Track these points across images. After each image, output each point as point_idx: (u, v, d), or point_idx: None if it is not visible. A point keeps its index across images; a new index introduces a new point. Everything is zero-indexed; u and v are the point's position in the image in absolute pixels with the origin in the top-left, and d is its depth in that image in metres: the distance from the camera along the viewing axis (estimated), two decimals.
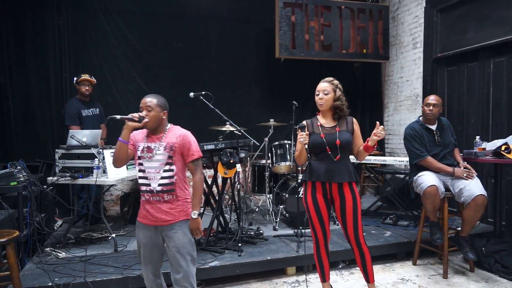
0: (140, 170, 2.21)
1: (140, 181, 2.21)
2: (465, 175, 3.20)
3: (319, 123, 2.59)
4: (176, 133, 2.24)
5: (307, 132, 2.46)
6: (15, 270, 2.43)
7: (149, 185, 2.17)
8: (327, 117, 2.62)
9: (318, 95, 2.57)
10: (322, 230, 2.58)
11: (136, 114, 2.13)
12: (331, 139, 2.50)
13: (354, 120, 2.65)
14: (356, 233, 2.52)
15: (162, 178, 2.17)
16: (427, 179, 3.19)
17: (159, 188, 2.17)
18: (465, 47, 4.52)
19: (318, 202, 2.54)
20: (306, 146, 2.43)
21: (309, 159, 2.50)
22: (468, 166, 3.31)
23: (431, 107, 3.33)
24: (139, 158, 2.21)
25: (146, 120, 2.14)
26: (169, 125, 2.28)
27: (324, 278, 2.70)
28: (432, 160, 3.29)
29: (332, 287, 2.84)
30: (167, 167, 2.18)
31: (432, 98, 3.37)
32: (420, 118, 3.48)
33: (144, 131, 2.26)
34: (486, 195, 3.08)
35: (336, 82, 2.60)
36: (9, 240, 2.39)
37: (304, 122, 2.59)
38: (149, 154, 2.18)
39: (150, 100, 2.21)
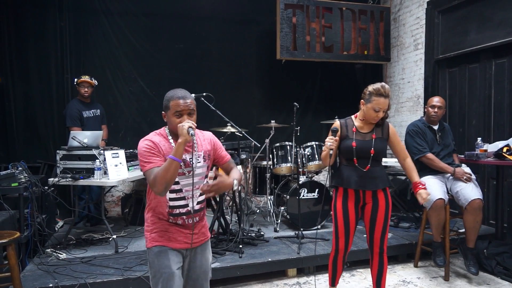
0: (173, 191, 1.76)
1: (173, 203, 1.77)
2: (464, 178, 3.19)
3: (354, 128, 2.45)
4: (204, 137, 1.89)
5: (336, 138, 2.31)
6: (15, 271, 2.42)
7: (186, 206, 1.79)
8: (365, 121, 2.47)
9: (378, 111, 2.34)
10: (345, 240, 2.48)
11: (191, 124, 1.64)
12: (366, 147, 2.38)
13: (390, 125, 2.52)
14: (382, 241, 2.45)
15: (201, 194, 1.82)
16: (432, 192, 3.10)
17: (197, 207, 1.83)
18: (466, 48, 4.50)
19: (348, 212, 2.44)
20: (331, 152, 2.29)
21: (337, 164, 2.42)
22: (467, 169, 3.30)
23: (436, 109, 3.33)
24: None
25: (195, 131, 1.69)
26: None
27: (334, 283, 2.67)
28: (433, 157, 3.28)
29: None
30: (206, 181, 1.87)
31: (436, 100, 3.35)
32: (423, 118, 3.49)
33: (164, 136, 1.79)
34: (482, 199, 3.09)
35: (390, 93, 2.40)
36: (9, 241, 2.38)
37: (338, 122, 2.44)
38: (188, 169, 1.77)
39: (191, 101, 1.75)
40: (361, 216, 2.53)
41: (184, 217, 1.79)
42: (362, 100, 2.44)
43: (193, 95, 3.42)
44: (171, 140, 1.78)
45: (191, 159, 1.77)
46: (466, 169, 3.35)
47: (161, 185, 1.61)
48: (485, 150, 3.47)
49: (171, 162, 1.59)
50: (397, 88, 5.77)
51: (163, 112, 1.81)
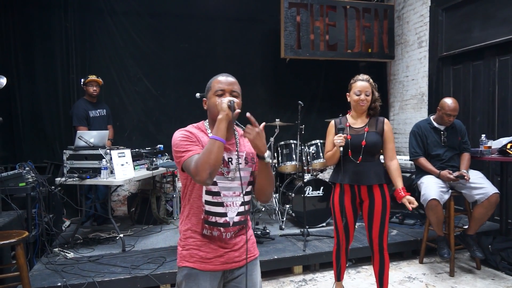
0: (210, 192, 1.50)
1: (209, 208, 1.50)
2: (451, 181, 3.16)
3: (348, 123, 2.52)
4: (245, 139, 1.63)
5: (345, 135, 2.37)
6: (24, 270, 2.44)
7: (224, 214, 1.51)
8: (357, 117, 2.53)
9: (359, 95, 2.43)
10: (346, 234, 2.55)
11: (230, 98, 1.45)
12: (357, 140, 2.43)
13: (386, 120, 2.53)
14: (381, 238, 2.47)
15: (243, 204, 1.54)
16: (428, 191, 3.12)
17: (237, 219, 1.53)
18: (470, 45, 4.50)
19: (345, 207, 2.49)
20: (341, 149, 2.34)
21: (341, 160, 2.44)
22: (464, 173, 3.14)
23: (451, 118, 3.25)
24: None
25: (238, 110, 1.46)
26: None
27: (339, 277, 2.72)
28: (423, 161, 3.31)
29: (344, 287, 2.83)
30: (248, 188, 1.58)
31: (453, 108, 3.21)
32: (431, 117, 3.44)
33: (202, 130, 1.58)
34: (499, 192, 3.09)
35: (372, 81, 2.49)
36: (18, 241, 2.39)
37: (333, 122, 2.55)
38: (226, 169, 1.51)
39: (235, 81, 1.55)
40: (361, 213, 2.57)
41: (222, 229, 1.51)
42: (347, 93, 2.54)
43: (198, 94, 3.49)
44: (211, 135, 1.50)
45: (230, 159, 1.52)
46: (472, 173, 3.25)
47: (204, 170, 1.34)
48: (489, 147, 3.47)
49: (213, 142, 1.36)
50: (401, 85, 5.76)
51: (204, 99, 1.60)
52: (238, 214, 1.54)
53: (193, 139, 1.49)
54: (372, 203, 2.45)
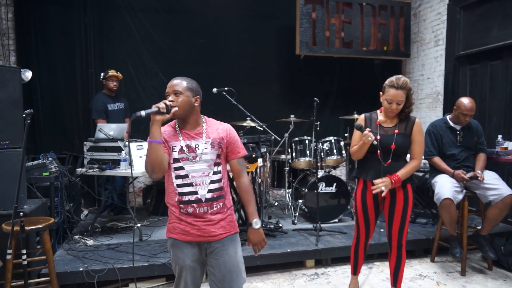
0: (179, 176, 1.76)
1: (181, 189, 1.76)
2: (465, 181, 3.17)
3: (378, 121, 2.48)
4: (218, 127, 1.87)
5: (369, 129, 2.32)
6: (50, 255, 2.56)
7: (195, 193, 1.76)
8: (387, 115, 2.48)
9: (390, 103, 2.35)
10: (366, 228, 2.59)
11: (160, 104, 1.69)
12: (387, 142, 2.41)
13: (417, 121, 2.46)
14: (400, 236, 2.51)
15: (212, 182, 1.78)
16: (442, 190, 3.13)
17: (209, 196, 1.77)
18: (488, 45, 4.46)
19: (366, 202, 2.53)
20: (375, 142, 2.29)
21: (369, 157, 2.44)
22: (478, 174, 3.13)
23: (467, 118, 3.23)
24: (177, 161, 1.77)
25: (175, 109, 1.72)
26: (203, 117, 1.89)
27: (356, 271, 2.78)
28: (437, 160, 3.32)
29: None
30: (216, 168, 1.80)
31: (470, 108, 3.18)
32: (448, 116, 3.43)
33: (173, 126, 1.84)
34: None
35: (409, 85, 2.35)
36: (45, 227, 2.53)
37: (362, 116, 2.53)
38: (192, 154, 1.77)
39: (178, 82, 1.79)
40: (382, 209, 2.59)
41: (195, 205, 1.75)
42: (380, 92, 2.47)
43: (215, 89, 3.55)
44: (178, 130, 1.81)
45: (196, 145, 1.78)
46: (487, 173, 3.24)
47: (148, 168, 1.70)
48: (506, 148, 3.46)
49: (149, 145, 1.68)
50: (416, 84, 5.74)
51: None
52: (209, 191, 1.78)
53: None
54: (394, 202, 2.49)
